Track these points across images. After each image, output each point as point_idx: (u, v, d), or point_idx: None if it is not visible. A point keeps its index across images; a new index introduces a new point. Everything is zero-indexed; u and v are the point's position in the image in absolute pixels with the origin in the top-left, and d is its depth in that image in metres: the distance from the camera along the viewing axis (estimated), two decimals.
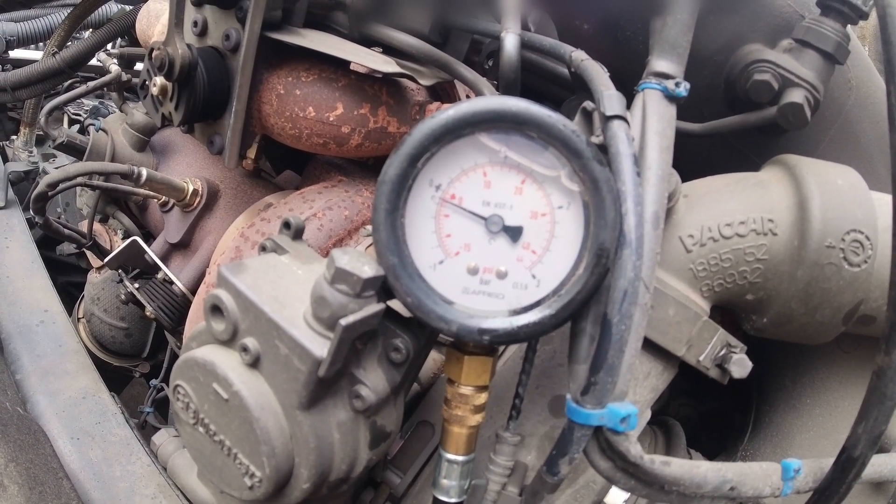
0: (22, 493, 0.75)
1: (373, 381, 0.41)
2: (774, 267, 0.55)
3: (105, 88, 1.16)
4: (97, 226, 1.22)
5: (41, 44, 2.26)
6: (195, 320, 0.76)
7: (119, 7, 2.11)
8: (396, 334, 0.42)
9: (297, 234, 0.47)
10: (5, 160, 1.78)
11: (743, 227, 0.55)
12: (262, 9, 0.63)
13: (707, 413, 1.05)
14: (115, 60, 1.25)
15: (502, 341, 0.38)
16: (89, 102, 2.40)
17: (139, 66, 1.57)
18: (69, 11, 1.62)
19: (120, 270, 1.08)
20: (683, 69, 0.54)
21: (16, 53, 2.17)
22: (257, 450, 0.39)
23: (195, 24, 0.73)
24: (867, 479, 0.63)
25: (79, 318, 1.39)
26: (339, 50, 0.65)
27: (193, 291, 0.97)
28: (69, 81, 1.57)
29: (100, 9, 1.86)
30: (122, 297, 1.08)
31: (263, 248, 0.46)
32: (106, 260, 1.04)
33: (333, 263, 0.37)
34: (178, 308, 1.00)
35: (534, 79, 0.73)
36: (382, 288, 0.40)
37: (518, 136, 0.37)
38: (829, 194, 0.56)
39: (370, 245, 0.69)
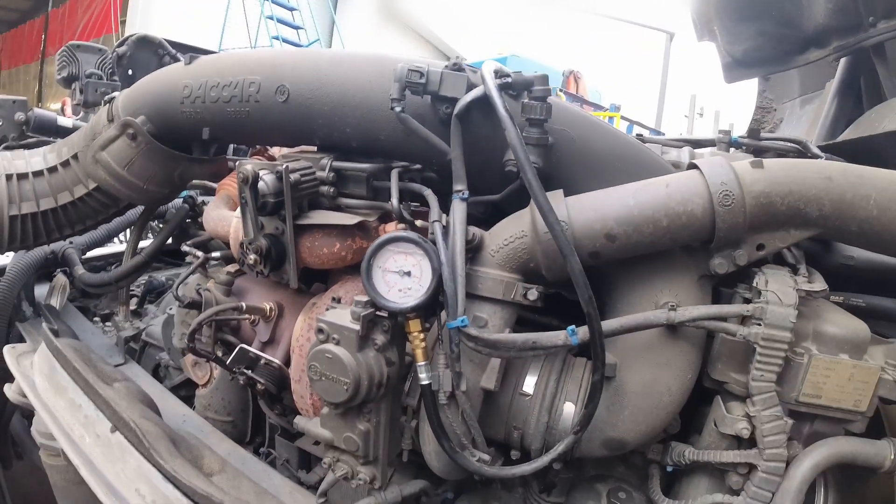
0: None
1: (379, 338, 1.16)
2: (529, 249, 1.28)
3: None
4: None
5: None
6: (297, 370, 1.49)
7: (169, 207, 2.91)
8: (383, 320, 1.17)
9: (339, 301, 1.22)
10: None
11: (511, 238, 1.28)
12: (292, 214, 1.41)
13: None
14: (194, 250, 2.01)
15: (415, 310, 1.14)
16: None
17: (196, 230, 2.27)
18: (138, 217, 2.37)
19: (234, 368, 1.79)
20: (466, 184, 1.29)
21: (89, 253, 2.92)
22: (346, 373, 1.13)
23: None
24: (627, 328, 1.32)
25: None
26: (328, 218, 1.43)
27: (286, 364, 1.69)
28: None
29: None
30: (241, 381, 1.78)
31: (328, 310, 1.21)
32: (228, 362, 1.76)
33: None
34: (278, 378, 1.72)
35: None
36: (373, 305, 1.15)
37: (400, 243, 1.14)
38: None
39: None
